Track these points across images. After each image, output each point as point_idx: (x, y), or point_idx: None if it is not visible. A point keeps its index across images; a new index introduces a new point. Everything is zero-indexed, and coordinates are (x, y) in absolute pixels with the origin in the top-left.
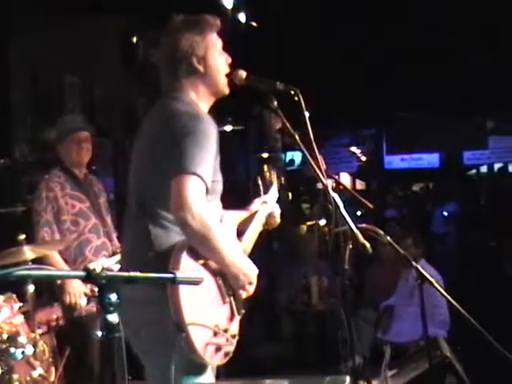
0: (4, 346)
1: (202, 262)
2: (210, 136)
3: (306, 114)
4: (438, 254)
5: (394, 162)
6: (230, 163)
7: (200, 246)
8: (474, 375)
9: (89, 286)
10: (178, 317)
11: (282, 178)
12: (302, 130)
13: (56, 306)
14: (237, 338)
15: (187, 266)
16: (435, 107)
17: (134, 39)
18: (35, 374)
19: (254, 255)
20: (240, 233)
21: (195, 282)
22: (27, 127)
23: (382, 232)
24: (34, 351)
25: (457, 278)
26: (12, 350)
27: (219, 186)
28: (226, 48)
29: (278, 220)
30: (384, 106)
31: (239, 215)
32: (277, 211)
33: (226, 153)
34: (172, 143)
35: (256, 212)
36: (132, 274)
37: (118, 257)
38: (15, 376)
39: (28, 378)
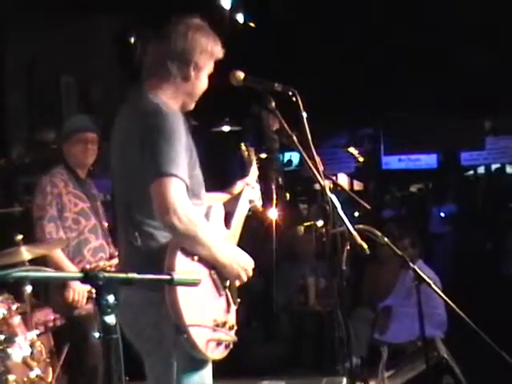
0: (1, 347)
1: (196, 258)
2: (178, 132)
3: (304, 115)
4: (435, 254)
5: (392, 162)
6: (227, 163)
7: (190, 245)
8: (470, 376)
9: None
10: (177, 319)
11: (280, 179)
12: (299, 131)
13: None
14: (235, 328)
15: (183, 265)
16: (433, 108)
17: (132, 40)
18: (32, 374)
19: (251, 255)
20: (227, 220)
21: (193, 284)
22: (24, 128)
23: (379, 233)
24: (32, 352)
25: (454, 279)
26: (9, 350)
27: (199, 180)
28: (224, 48)
29: (259, 202)
30: (381, 106)
31: (223, 198)
32: (256, 192)
33: (224, 153)
34: (143, 146)
35: (240, 194)
36: (130, 275)
37: (116, 260)
38: (12, 377)
39: (25, 379)
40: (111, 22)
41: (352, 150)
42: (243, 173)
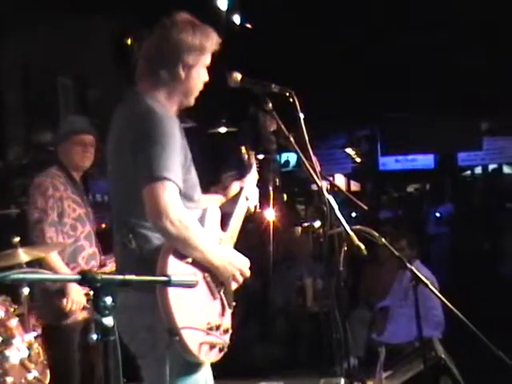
0: None
1: (189, 260)
2: (171, 134)
3: (301, 116)
4: (432, 255)
5: (389, 163)
6: (224, 164)
7: (183, 248)
8: (468, 376)
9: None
10: (169, 322)
11: (277, 180)
12: (296, 132)
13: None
14: (230, 331)
15: (176, 267)
16: (429, 108)
17: (129, 40)
18: (30, 376)
19: (249, 257)
20: (224, 221)
21: (189, 285)
22: (21, 129)
23: (376, 233)
24: (29, 354)
25: (451, 279)
26: (7, 352)
27: (193, 182)
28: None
29: (257, 204)
30: (378, 107)
31: (220, 200)
32: (255, 195)
33: (221, 154)
34: (136, 148)
35: (237, 196)
36: (127, 277)
37: (106, 268)
38: (10, 379)
39: (23, 381)
40: (109, 23)
41: (349, 150)
42: (240, 174)
